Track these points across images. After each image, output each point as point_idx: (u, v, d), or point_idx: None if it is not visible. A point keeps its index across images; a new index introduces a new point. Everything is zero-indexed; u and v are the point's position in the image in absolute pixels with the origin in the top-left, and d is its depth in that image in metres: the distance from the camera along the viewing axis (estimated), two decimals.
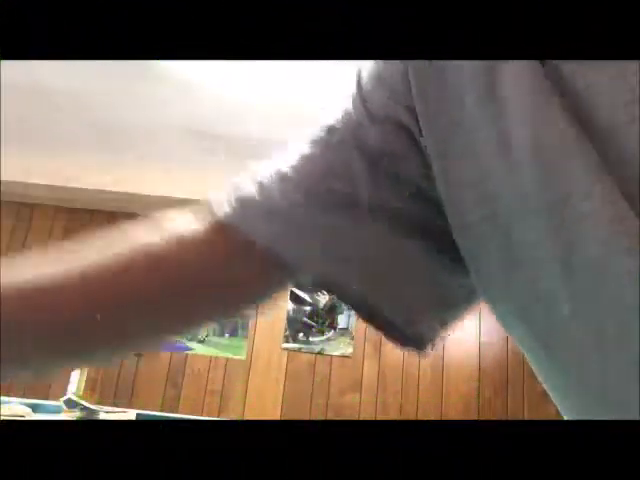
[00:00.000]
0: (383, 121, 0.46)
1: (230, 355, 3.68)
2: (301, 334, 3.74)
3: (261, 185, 0.46)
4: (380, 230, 0.46)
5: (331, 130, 0.47)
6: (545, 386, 0.45)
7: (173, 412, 3.49)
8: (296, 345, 3.71)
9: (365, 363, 3.66)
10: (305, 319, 3.77)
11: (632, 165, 0.35)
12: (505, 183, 0.39)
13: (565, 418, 0.45)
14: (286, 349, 3.70)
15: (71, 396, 1.71)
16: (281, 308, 3.78)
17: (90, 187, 3.57)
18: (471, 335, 3.72)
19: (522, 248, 0.39)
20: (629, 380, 0.35)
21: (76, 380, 1.76)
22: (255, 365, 3.67)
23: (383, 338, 0.51)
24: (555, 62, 0.39)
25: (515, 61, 0.41)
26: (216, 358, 3.68)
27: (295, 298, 3.80)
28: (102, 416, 1.72)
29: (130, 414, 1.84)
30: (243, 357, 3.68)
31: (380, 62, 0.48)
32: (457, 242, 0.45)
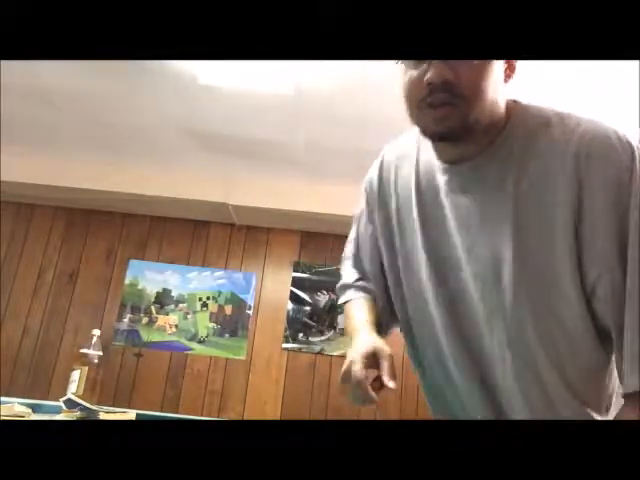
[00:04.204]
0: None
1: (230, 355, 3.68)
2: (301, 334, 3.74)
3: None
4: None
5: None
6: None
7: (173, 412, 3.49)
8: (296, 345, 3.71)
9: None
10: (305, 319, 3.77)
11: None
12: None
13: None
14: (286, 349, 3.70)
15: (71, 396, 1.71)
16: (281, 308, 3.78)
17: (90, 187, 3.56)
18: None
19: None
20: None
21: (76, 380, 1.76)
22: (255, 365, 3.67)
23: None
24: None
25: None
26: (216, 358, 3.68)
27: (295, 298, 3.80)
28: (102, 416, 1.72)
29: (130, 414, 1.84)
30: (243, 357, 3.68)
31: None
32: None
